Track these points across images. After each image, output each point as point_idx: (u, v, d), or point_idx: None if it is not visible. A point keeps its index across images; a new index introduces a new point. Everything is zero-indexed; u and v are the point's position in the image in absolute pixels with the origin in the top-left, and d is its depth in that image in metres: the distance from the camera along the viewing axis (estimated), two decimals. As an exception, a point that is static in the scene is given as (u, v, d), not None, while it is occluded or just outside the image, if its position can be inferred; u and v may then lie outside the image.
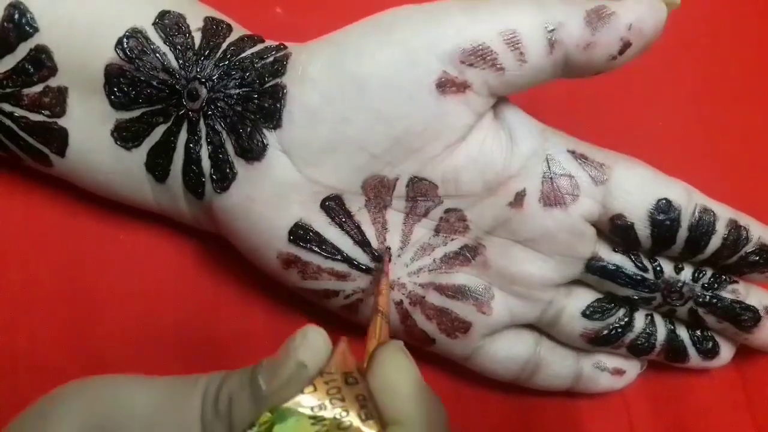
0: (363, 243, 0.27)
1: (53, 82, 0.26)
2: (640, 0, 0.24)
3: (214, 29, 0.26)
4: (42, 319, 0.30)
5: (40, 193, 0.31)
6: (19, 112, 0.26)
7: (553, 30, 0.24)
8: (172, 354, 0.30)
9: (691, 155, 0.34)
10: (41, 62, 0.26)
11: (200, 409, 0.21)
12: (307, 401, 0.20)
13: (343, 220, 0.26)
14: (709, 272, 0.29)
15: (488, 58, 0.24)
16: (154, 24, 0.26)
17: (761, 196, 0.34)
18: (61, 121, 0.26)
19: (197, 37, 0.26)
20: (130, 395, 0.21)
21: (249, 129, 0.25)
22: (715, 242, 0.28)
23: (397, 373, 0.21)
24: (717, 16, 0.37)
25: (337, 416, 0.20)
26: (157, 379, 0.22)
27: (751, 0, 0.38)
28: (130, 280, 0.31)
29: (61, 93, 0.26)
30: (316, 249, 0.26)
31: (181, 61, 0.26)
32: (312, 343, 0.21)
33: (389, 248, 0.27)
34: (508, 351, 0.29)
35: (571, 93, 0.33)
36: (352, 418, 0.20)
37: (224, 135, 0.26)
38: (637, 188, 0.27)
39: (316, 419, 0.19)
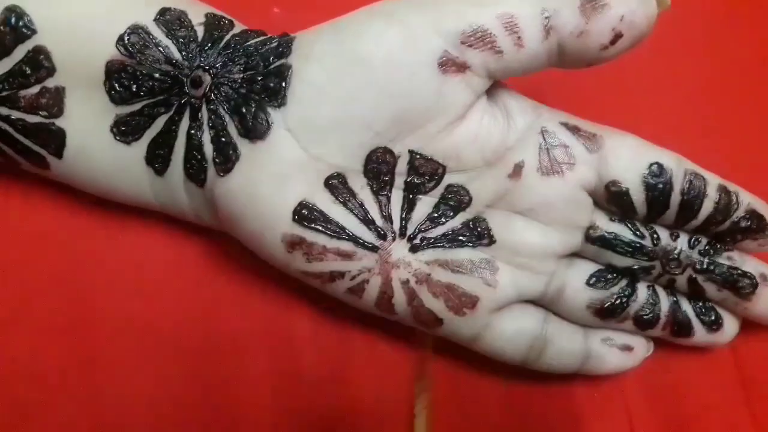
0: (367, 221, 0.27)
1: (50, 83, 0.26)
2: None
3: (216, 23, 0.27)
4: (42, 319, 0.30)
5: (39, 194, 0.31)
6: (16, 114, 0.26)
7: (549, 16, 0.25)
8: (172, 354, 0.30)
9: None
10: (39, 63, 0.26)
11: None
12: None
13: (348, 198, 0.27)
14: (704, 240, 0.30)
15: (487, 40, 0.25)
16: (155, 20, 0.26)
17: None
18: (59, 122, 0.26)
19: (200, 31, 0.27)
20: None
21: (253, 109, 0.26)
22: (707, 206, 0.29)
23: None
24: (715, 10, 0.38)
25: None
26: None
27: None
28: (129, 280, 0.31)
29: (59, 93, 0.26)
30: (321, 228, 0.26)
31: (184, 53, 0.26)
32: None
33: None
34: (517, 326, 0.29)
35: (570, 87, 0.34)
36: None
37: (227, 118, 0.26)
38: (629, 155, 0.28)
39: None
